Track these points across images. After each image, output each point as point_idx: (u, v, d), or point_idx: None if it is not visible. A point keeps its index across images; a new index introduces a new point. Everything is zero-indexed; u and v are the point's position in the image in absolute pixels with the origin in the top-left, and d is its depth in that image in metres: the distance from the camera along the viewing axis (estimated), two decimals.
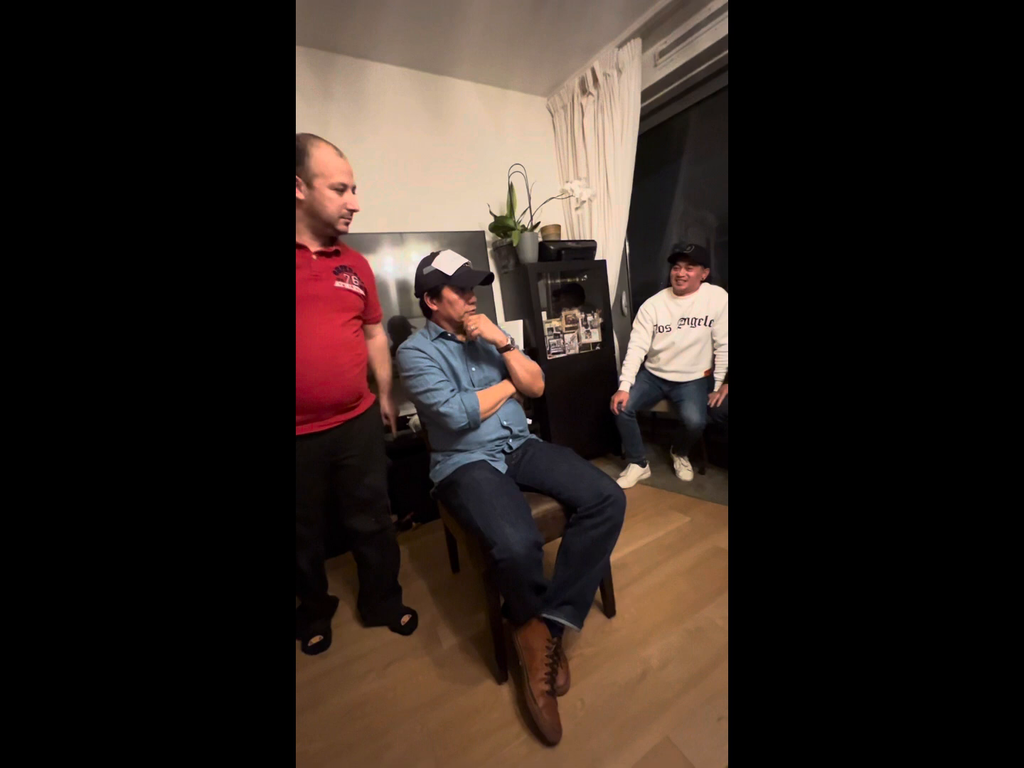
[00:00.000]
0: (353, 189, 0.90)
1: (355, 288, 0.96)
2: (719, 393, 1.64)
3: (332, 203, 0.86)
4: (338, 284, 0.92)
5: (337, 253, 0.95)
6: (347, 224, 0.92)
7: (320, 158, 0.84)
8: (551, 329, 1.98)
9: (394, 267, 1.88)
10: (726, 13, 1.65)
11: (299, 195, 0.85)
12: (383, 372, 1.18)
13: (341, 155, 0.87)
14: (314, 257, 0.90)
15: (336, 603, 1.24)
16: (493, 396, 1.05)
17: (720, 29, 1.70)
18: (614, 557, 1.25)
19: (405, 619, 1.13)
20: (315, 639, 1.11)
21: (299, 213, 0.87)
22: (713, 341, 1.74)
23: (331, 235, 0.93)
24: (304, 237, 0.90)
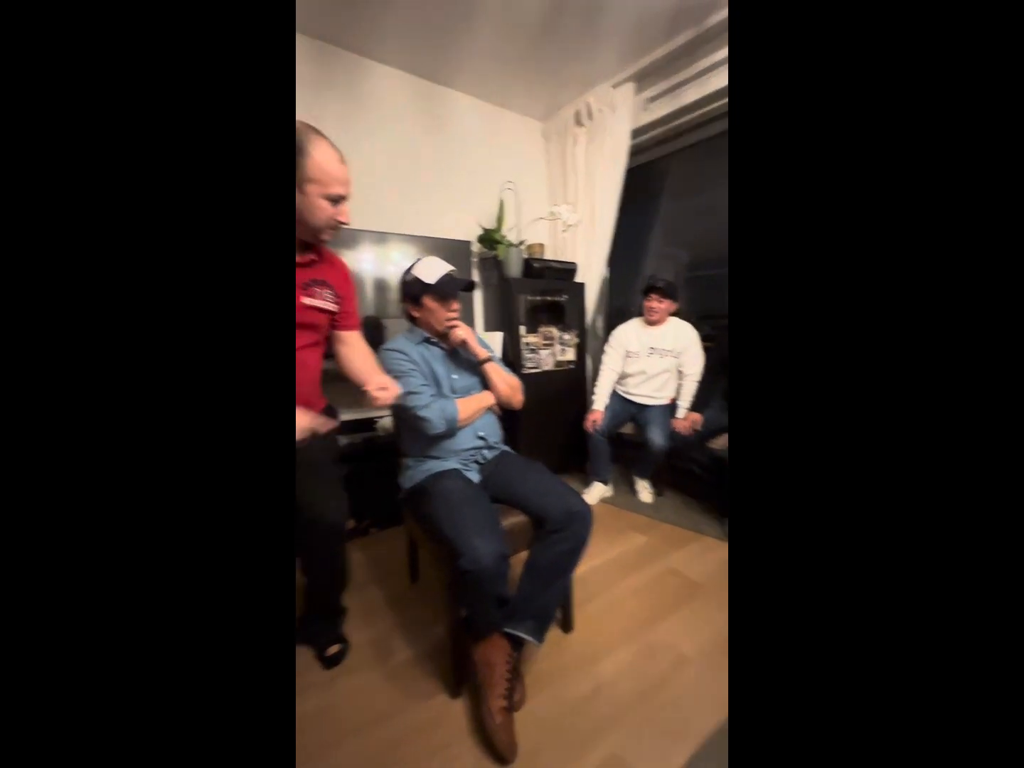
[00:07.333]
0: (346, 199, 0.83)
1: (326, 304, 0.89)
2: (684, 420, 1.73)
3: (322, 213, 0.78)
4: (305, 300, 0.85)
5: (313, 263, 0.87)
6: (332, 235, 0.84)
7: (320, 162, 0.76)
8: (527, 344, 2.02)
9: (373, 266, 1.86)
10: (711, 72, 1.81)
11: None
12: (364, 369, 0.96)
13: (343, 161, 0.80)
14: None
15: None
16: (472, 405, 1.05)
17: (705, 86, 1.86)
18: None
19: (332, 649, 1.00)
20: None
21: None
22: (679, 372, 1.85)
23: (311, 243, 0.86)
24: None
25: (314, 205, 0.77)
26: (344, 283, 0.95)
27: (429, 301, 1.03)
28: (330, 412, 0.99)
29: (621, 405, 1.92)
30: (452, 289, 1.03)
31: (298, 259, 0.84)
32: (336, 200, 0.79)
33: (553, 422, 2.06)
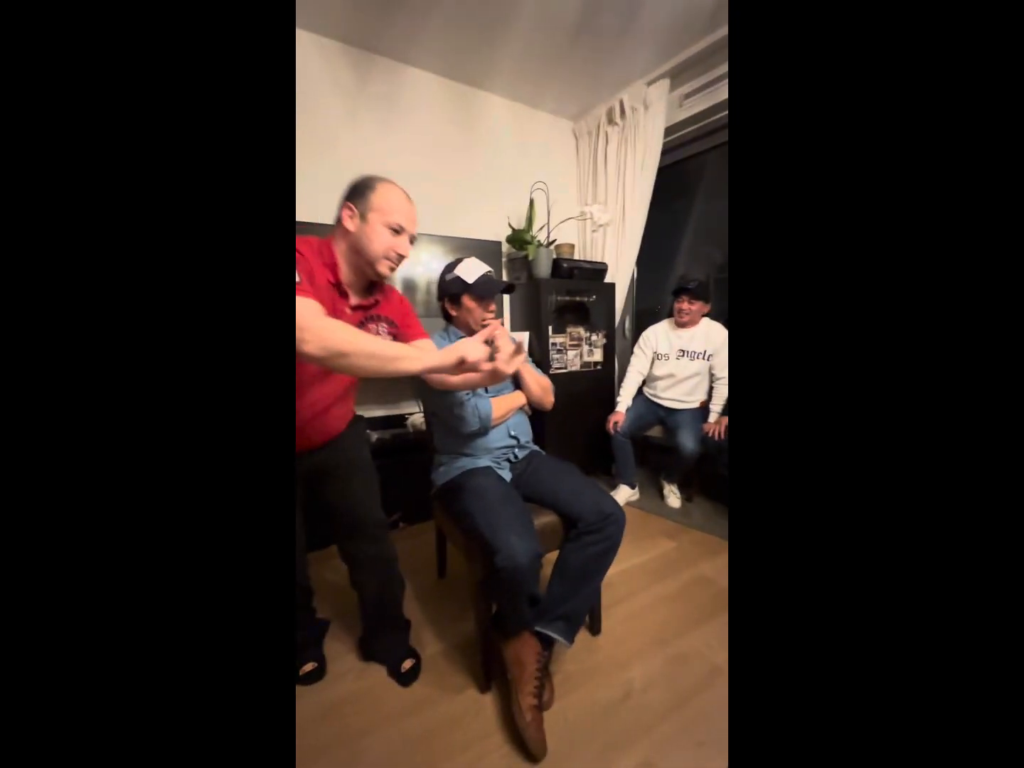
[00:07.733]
0: (412, 239, 0.85)
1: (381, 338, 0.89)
2: (717, 424, 1.68)
3: (381, 240, 0.80)
4: None
5: (376, 304, 0.89)
6: (391, 269, 0.84)
7: (384, 194, 0.80)
8: (554, 344, 2.01)
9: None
10: None
11: (349, 226, 0.79)
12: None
13: (409, 201, 0.84)
14: (349, 311, 0.84)
15: (327, 626, 1.12)
16: (505, 404, 1.06)
17: None
18: None
19: (406, 665, 0.99)
20: (308, 667, 0.99)
21: (343, 246, 0.81)
22: (712, 375, 1.80)
23: (372, 278, 0.86)
24: (346, 278, 0.83)
25: (374, 232, 0.79)
26: (400, 308, 0.95)
27: (468, 300, 1.05)
28: (357, 421, 1.02)
29: (647, 408, 1.89)
30: (492, 290, 1.05)
31: (361, 302, 0.86)
32: (397, 231, 0.81)
33: (579, 423, 2.04)
